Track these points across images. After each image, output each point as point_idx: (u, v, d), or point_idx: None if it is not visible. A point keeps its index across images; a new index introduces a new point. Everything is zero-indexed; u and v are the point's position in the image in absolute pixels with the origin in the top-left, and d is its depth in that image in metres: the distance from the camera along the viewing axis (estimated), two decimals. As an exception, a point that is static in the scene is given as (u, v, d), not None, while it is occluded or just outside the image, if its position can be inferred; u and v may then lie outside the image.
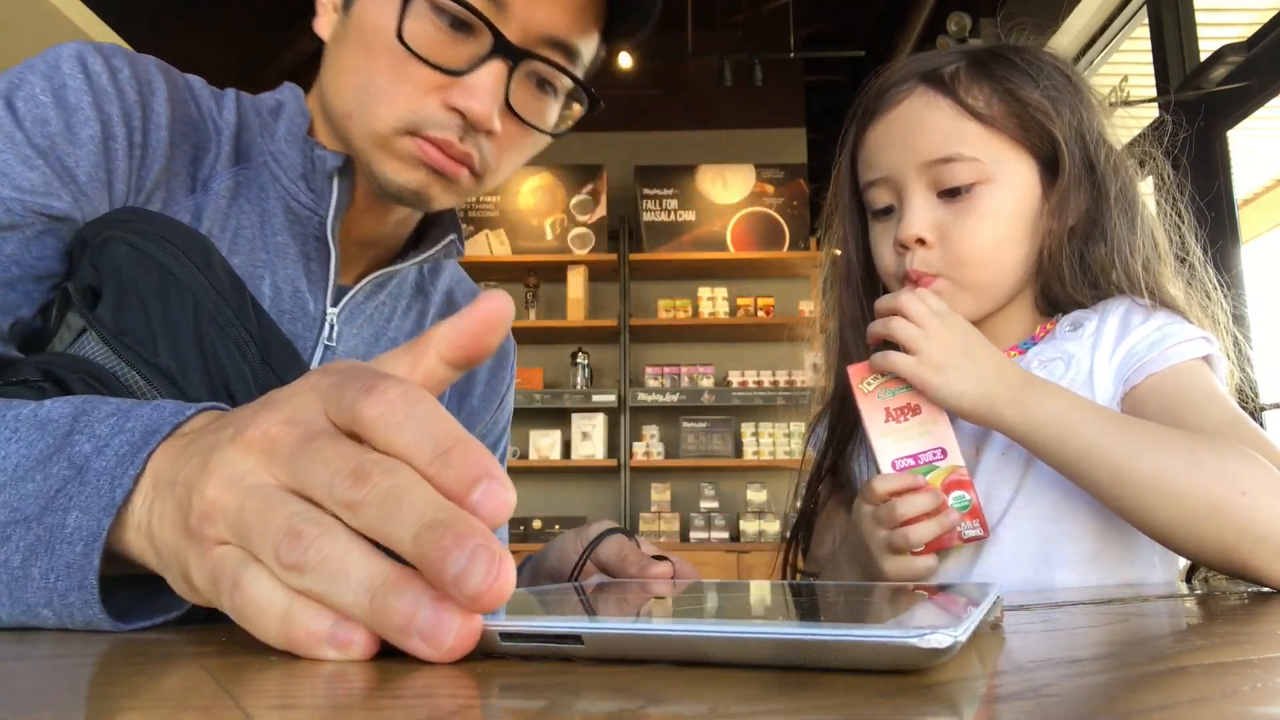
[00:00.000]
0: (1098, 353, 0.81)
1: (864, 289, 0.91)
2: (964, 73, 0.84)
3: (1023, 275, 0.85)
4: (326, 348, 0.78)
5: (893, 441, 0.81)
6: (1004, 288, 0.84)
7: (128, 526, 0.39)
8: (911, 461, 0.80)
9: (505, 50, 0.69)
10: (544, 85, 0.76)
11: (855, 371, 0.83)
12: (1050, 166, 0.84)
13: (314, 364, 0.76)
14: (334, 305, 0.79)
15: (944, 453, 0.79)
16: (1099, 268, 0.84)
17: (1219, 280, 0.87)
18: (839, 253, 0.95)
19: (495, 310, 0.38)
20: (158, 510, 0.38)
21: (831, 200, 0.95)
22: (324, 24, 0.76)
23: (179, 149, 0.73)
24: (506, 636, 0.33)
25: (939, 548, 0.77)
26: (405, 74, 0.70)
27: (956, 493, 0.79)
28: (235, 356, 0.64)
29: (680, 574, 0.62)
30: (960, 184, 0.81)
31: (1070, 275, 0.84)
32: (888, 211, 0.85)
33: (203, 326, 0.63)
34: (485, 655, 0.33)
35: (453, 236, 0.84)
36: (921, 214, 0.81)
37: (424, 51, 0.68)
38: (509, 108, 0.72)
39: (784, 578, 0.92)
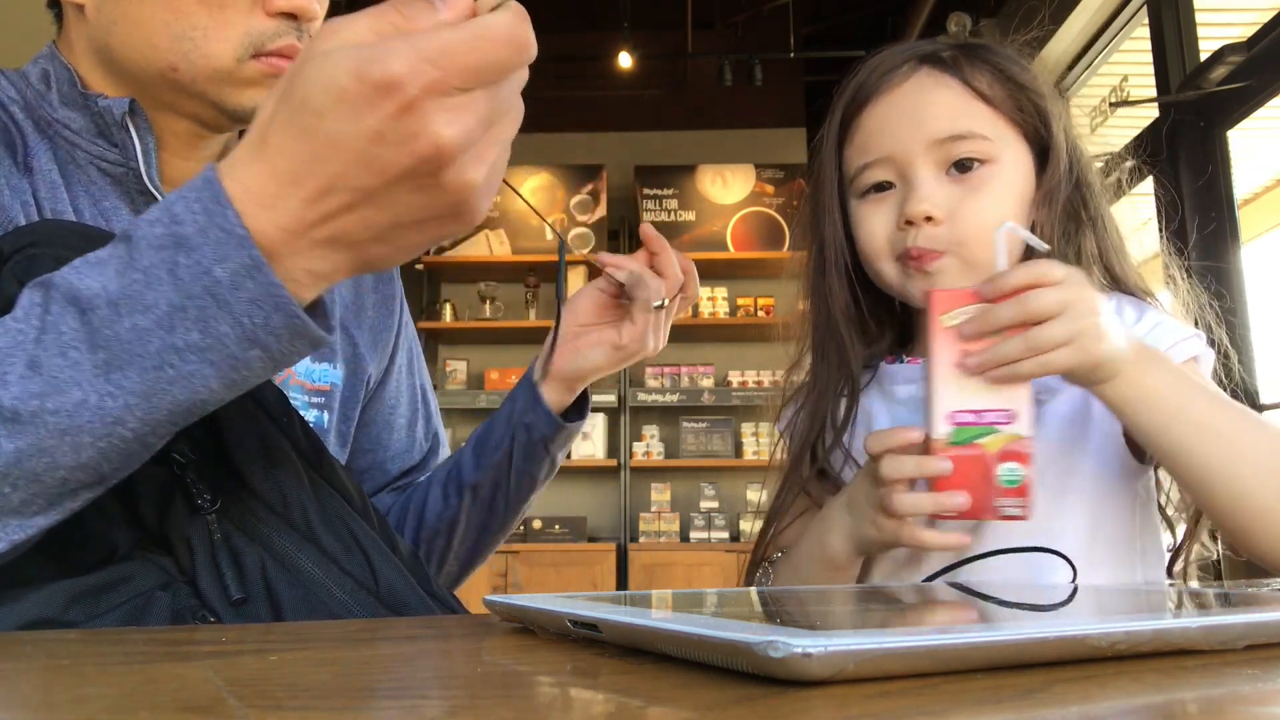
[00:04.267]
0: None
1: (854, 274, 0.89)
2: (963, 57, 0.84)
3: (1018, 259, 0.84)
4: None
5: (956, 391, 0.70)
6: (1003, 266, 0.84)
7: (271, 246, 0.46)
8: (971, 418, 0.70)
9: None
10: None
11: (942, 299, 0.71)
12: (1040, 156, 0.85)
13: None
14: None
15: (1012, 417, 0.70)
16: (1090, 258, 0.85)
17: (1204, 286, 0.88)
18: (814, 246, 0.92)
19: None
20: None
21: (814, 187, 0.92)
22: None
23: None
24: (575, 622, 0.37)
25: (969, 517, 0.70)
26: (220, 3, 0.69)
27: (1010, 464, 0.70)
28: None
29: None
30: (972, 159, 0.80)
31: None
32: (879, 190, 0.84)
33: None
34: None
35: None
36: (933, 190, 0.80)
37: None
38: None
39: (751, 572, 0.90)
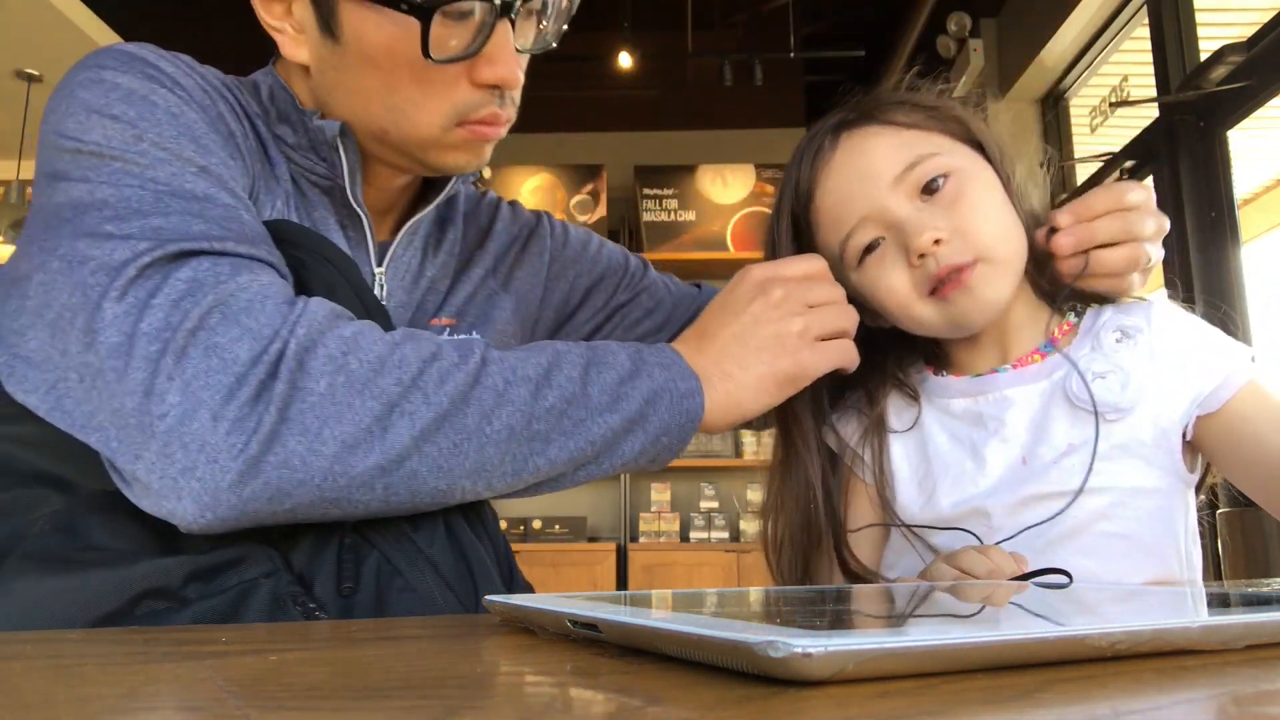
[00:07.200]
0: (1161, 379, 0.80)
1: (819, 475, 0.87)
2: (870, 108, 0.85)
3: (1025, 248, 0.84)
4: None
5: None
6: (1022, 258, 0.83)
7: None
8: None
9: (502, 7, 0.71)
10: (530, 10, 0.78)
11: None
12: (981, 151, 0.86)
13: None
14: (379, 265, 0.82)
15: None
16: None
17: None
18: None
19: None
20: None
21: None
22: (295, 50, 0.76)
23: (246, 141, 0.75)
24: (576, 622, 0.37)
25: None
26: (432, 78, 0.73)
27: None
28: None
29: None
30: (935, 177, 0.80)
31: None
32: (871, 250, 0.82)
33: None
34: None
35: None
36: (924, 218, 0.79)
37: (448, 55, 0.71)
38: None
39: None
